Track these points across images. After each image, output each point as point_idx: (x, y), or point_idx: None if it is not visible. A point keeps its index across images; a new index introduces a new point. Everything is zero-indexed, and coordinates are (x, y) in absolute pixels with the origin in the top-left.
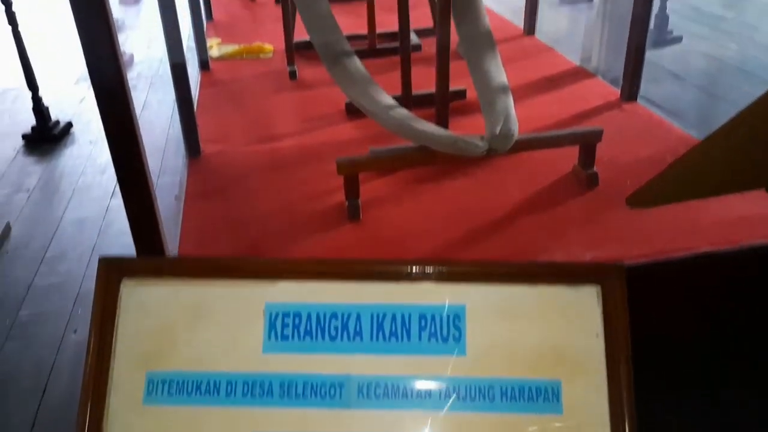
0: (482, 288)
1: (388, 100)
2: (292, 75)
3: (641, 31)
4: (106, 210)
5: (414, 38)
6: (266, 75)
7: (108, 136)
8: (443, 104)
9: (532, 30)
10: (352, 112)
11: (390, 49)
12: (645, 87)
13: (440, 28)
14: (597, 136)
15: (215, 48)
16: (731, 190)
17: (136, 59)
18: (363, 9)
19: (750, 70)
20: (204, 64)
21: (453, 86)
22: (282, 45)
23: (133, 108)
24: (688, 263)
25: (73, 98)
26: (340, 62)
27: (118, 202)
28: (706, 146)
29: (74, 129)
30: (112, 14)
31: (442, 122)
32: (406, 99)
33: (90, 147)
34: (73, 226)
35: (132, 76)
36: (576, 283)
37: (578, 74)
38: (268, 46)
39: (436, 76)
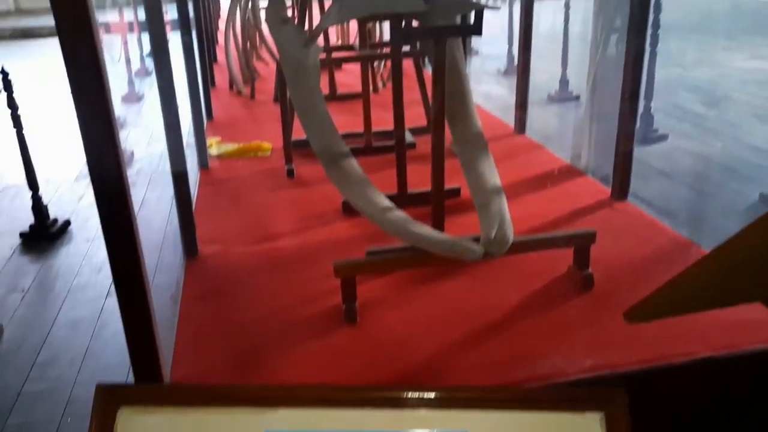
0: (483, 414)
1: (385, 201)
2: (290, 173)
3: (628, 132)
4: (101, 311)
5: (408, 137)
6: (264, 173)
7: (108, 247)
8: (439, 205)
9: (522, 128)
10: (349, 210)
11: (385, 147)
12: (635, 185)
13: (435, 132)
14: (591, 238)
15: (215, 147)
16: (729, 304)
17: (136, 156)
18: (358, 107)
19: (735, 169)
20: (203, 162)
21: (447, 184)
22: (280, 143)
23: (135, 221)
24: (687, 369)
25: (72, 195)
26: (338, 164)
27: (113, 302)
28: (706, 264)
29: (72, 227)
30: (114, 115)
31: (438, 222)
32: (402, 198)
33: (87, 245)
34: (67, 328)
35: (131, 173)
36: (579, 409)
37: (569, 173)
38: (267, 145)
39: (431, 177)
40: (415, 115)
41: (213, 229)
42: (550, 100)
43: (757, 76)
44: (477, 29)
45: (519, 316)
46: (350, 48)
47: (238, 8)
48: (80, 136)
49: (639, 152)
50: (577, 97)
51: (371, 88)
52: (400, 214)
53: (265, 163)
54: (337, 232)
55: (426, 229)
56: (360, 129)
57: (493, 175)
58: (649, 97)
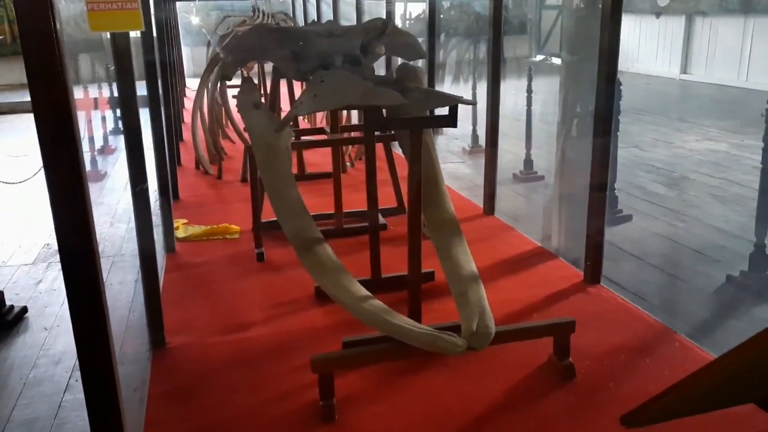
0: None
1: (360, 290)
2: (260, 257)
3: (599, 219)
4: (58, 407)
5: (380, 219)
6: (234, 257)
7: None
8: (415, 294)
9: (491, 210)
10: (322, 296)
11: (357, 228)
12: (605, 266)
13: (411, 221)
14: (570, 327)
15: (181, 229)
16: (726, 407)
17: (98, 237)
18: (327, 186)
19: (701, 250)
20: (170, 246)
21: (422, 268)
22: (249, 225)
23: (107, 311)
24: None
25: (29, 280)
26: (311, 250)
27: (72, 397)
28: (710, 372)
29: (29, 314)
30: (89, 197)
31: (415, 309)
32: (376, 283)
33: (44, 334)
34: (22, 427)
35: None
36: None
37: (541, 255)
38: (235, 227)
39: (408, 266)
40: (385, 196)
41: (181, 317)
42: (515, 179)
43: (710, 157)
44: (452, 121)
45: (501, 411)
46: (320, 131)
47: (206, 88)
48: (52, 217)
49: (606, 233)
50: (542, 177)
51: (351, 163)
52: (377, 303)
53: (233, 246)
54: (311, 320)
55: (405, 320)
56: (330, 209)
57: (468, 261)
58: (612, 178)
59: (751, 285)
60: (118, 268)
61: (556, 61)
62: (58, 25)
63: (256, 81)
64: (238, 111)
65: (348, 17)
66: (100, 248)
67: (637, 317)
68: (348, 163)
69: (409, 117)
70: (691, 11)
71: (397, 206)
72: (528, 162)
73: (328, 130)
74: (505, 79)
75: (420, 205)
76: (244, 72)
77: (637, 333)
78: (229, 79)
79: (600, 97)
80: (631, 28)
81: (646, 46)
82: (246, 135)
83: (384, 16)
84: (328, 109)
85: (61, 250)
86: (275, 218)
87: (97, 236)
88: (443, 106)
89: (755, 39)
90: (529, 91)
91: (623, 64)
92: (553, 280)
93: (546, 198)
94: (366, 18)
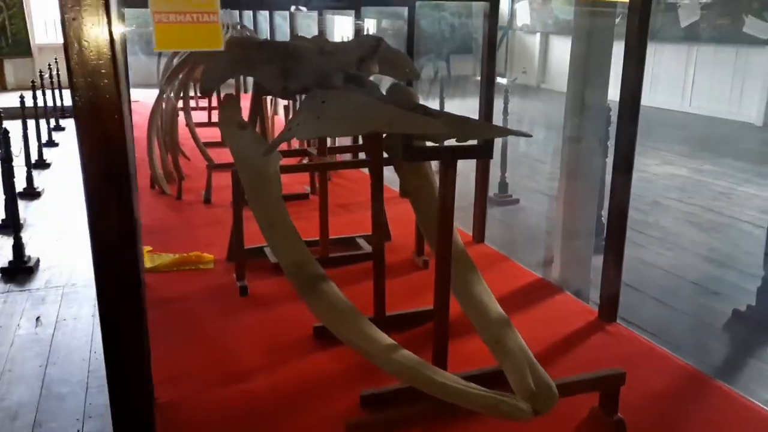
0: None
1: (384, 338)
2: (243, 291)
3: (617, 255)
4: None
5: (365, 245)
6: (212, 291)
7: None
8: (443, 340)
9: (481, 237)
10: (323, 337)
11: (345, 257)
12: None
13: (440, 252)
14: (620, 379)
15: (147, 258)
16: None
17: (42, 264)
18: (303, 208)
19: (695, 281)
20: None
21: (416, 302)
22: (222, 253)
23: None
24: None
25: None
26: (316, 288)
27: None
28: None
29: None
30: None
31: (442, 355)
32: (379, 321)
33: None
34: None
35: (38, 286)
36: None
37: (544, 288)
38: (208, 256)
39: (434, 305)
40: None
41: (167, 365)
42: (490, 202)
43: (674, 181)
44: (489, 152)
45: None
46: (304, 152)
47: (163, 102)
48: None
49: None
50: (517, 201)
51: (310, 188)
52: (408, 355)
53: (209, 278)
54: (316, 367)
55: (451, 378)
56: (310, 235)
57: (492, 301)
58: (600, 206)
59: (760, 320)
60: (71, 300)
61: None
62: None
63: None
64: (221, 130)
65: (307, 31)
66: (46, 277)
67: (664, 359)
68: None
69: (445, 147)
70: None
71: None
72: (503, 185)
73: (314, 152)
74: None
75: (451, 239)
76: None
77: (672, 379)
78: (209, 94)
79: (622, 136)
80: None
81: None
82: (208, 153)
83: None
84: (342, 135)
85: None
86: (254, 245)
87: (41, 263)
88: (493, 137)
89: (698, 66)
90: (505, 113)
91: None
92: (565, 317)
93: (527, 223)
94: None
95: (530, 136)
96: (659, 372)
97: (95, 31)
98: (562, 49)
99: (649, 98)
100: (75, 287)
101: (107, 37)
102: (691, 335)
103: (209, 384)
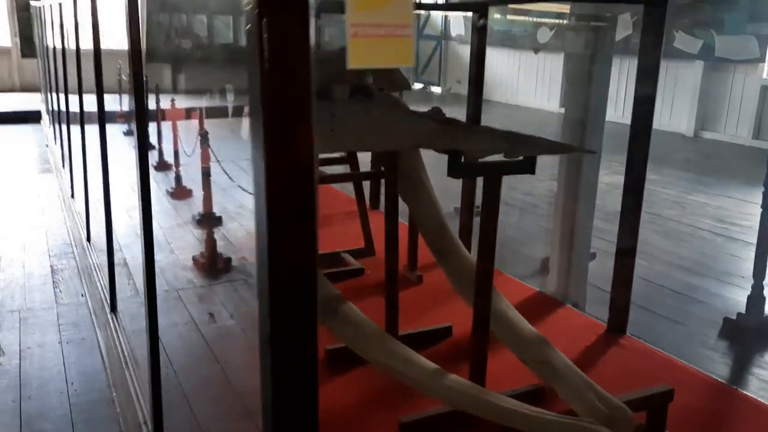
0: None
1: (426, 362)
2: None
3: (628, 266)
4: None
5: (352, 261)
6: None
7: None
8: (481, 356)
9: (467, 248)
10: (338, 361)
11: (337, 273)
12: (596, 309)
13: (482, 270)
14: (668, 396)
15: None
16: None
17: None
18: None
19: (677, 290)
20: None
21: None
22: None
23: None
24: None
25: None
26: (338, 312)
27: None
28: None
29: None
30: None
31: (480, 375)
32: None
33: None
34: None
35: None
36: None
37: (546, 302)
38: None
39: (473, 327)
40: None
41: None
42: (456, 212)
43: None
44: (531, 167)
45: None
46: None
47: None
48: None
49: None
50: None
51: None
52: (458, 380)
53: (204, 299)
54: (337, 394)
55: (516, 404)
56: None
57: (521, 319)
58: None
59: (752, 328)
60: (33, 327)
61: (436, 89)
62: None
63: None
64: None
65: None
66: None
67: (686, 372)
68: None
69: (492, 163)
70: (568, 50)
71: (365, 247)
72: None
73: None
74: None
75: (493, 258)
76: None
77: (699, 392)
78: None
79: (633, 155)
80: (511, 63)
81: (525, 81)
82: None
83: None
84: (366, 150)
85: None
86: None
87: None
88: (548, 153)
89: (630, 78)
90: None
91: (503, 95)
92: (575, 332)
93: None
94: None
95: (594, 152)
96: (685, 385)
97: (299, 52)
98: (496, 61)
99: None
100: (33, 311)
101: (309, 58)
102: (689, 345)
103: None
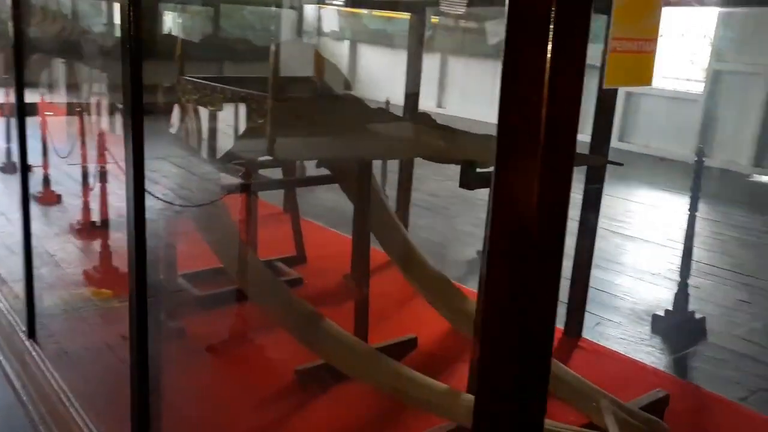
0: None
1: (435, 382)
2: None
3: (585, 266)
4: None
5: (289, 271)
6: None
7: None
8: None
9: None
10: (308, 381)
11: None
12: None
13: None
14: (664, 401)
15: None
16: None
17: None
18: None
19: (601, 288)
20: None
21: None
22: (120, 287)
23: None
24: None
25: None
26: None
27: None
28: None
29: None
30: None
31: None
32: None
33: None
34: None
35: None
36: None
37: None
38: (105, 291)
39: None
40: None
41: None
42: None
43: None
44: None
45: None
46: None
47: None
48: None
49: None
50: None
51: None
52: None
53: (119, 319)
54: (319, 419)
55: (558, 425)
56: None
57: None
58: None
59: (678, 323)
60: None
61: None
62: None
63: None
64: None
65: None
66: None
67: (647, 371)
68: None
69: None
70: (446, 51)
71: (297, 255)
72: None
73: None
74: None
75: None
76: None
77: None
78: None
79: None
80: (390, 61)
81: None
82: None
83: None
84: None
85: None
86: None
87: None
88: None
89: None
90: None
91: (384, 94)
92: None
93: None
94: None
95: (621, 164)
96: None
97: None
98: (371, 58)
99: (459, 109)
100: None
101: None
102: (626, 340)
103: None
